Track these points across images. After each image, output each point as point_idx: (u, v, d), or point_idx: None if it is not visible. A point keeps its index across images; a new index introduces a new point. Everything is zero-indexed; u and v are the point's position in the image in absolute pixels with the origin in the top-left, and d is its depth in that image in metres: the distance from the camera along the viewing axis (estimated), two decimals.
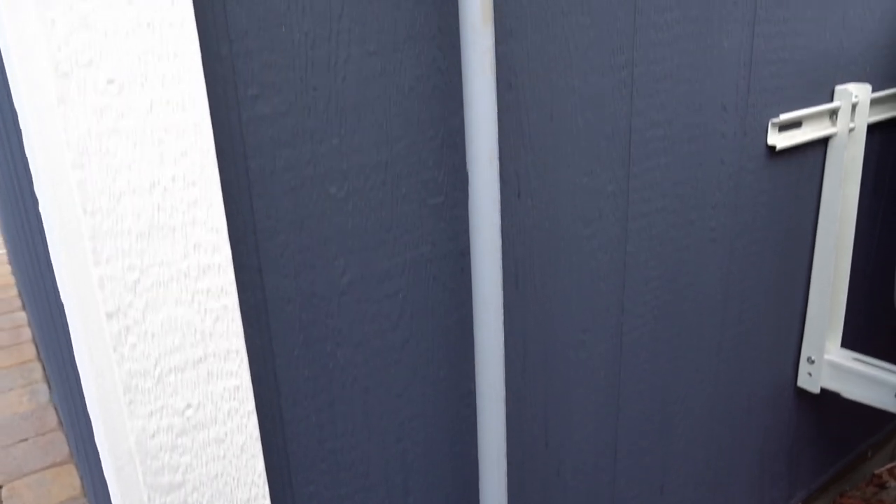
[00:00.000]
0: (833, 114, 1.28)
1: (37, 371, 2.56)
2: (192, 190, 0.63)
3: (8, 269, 3.71)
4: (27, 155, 0.59)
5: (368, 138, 0.74)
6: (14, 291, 3.37)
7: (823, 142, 1.30)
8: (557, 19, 0.86)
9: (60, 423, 2.23)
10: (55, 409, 2.30)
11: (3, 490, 1.92)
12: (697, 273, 1.17)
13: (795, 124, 1.22)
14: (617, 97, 0.95)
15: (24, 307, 3.16)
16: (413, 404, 0.87)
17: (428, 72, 0.76)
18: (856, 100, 1.28)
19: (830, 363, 1.42)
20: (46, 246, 0.56)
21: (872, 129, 1.37)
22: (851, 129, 1.30)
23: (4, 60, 0.57)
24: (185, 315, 0.66)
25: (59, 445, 2.12)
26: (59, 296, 0.61)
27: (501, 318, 0.84)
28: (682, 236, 1.12)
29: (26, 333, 2.89)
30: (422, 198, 0.80)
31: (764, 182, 1.22)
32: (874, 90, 1.34)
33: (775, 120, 1.17)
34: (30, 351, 2.72)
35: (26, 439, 2.15)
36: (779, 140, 1.19)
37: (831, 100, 1.28)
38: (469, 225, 0.83)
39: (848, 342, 1.54)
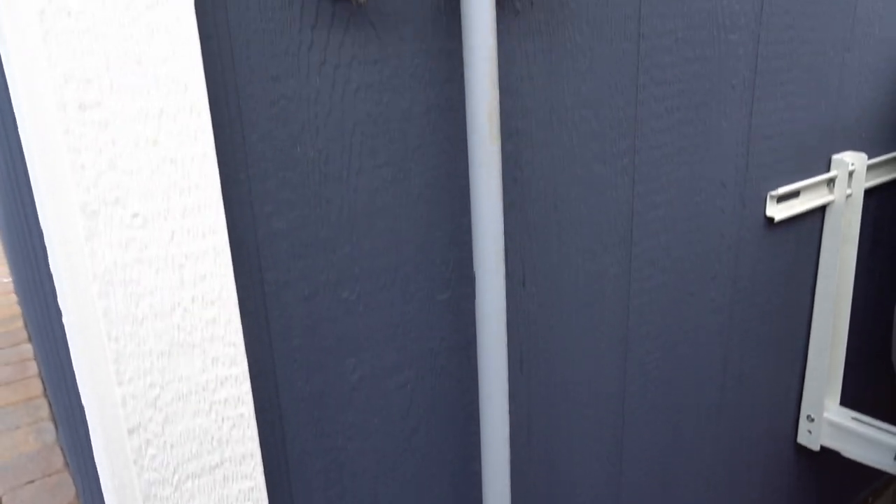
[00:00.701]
0: (830, 182, 1.30)
1: (43, 409, 2.58)
2: (211, 309, 0.66)
3: (13, 298, 3.73)
4: (55, 284, 0.62)
5: (379, 243, 0.77)
6: (20, 322, 3.39)
7: (821, 209, 1.32)
8: (561, 115, 0.88)
9: (67, 464, 2.24)
10: (61, 449, 2.32)
11: None
12: (698, 342, 1.19)
13: (793, 195, 1.25)
14: (619, 183, 0.98)
15: (30, 339, 3.18)
16: (422, 489, 0.89)
17: (436, 177, 0.79)
18: (852, 168, 1.30)
19: (830, 422, 1.44)
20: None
21: (869, 192, 1.40)
22: (848, 196, 1.32)
23: (35, 198, 0.59)
24: (203, 424, 0.68)
25: (66, 488, 2.13)
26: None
27: (507, 404, 0.86)
28: (683, 308, 1.15)
29: (32, 368, 2.91)
30: (430, 294, 0.83)
31: (763, 252, 1.24)
32: (871, 156, 1.37)
33: (773, 193, 1.20)
34: (36, 387, 2.74)
35: (33, 481, 2.17)
36: (777, 212, 1.21)
37: (828, 169, 1.30)
38: (475, 318, 0.85)
39: (847, 400, 1.55)
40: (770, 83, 1.13)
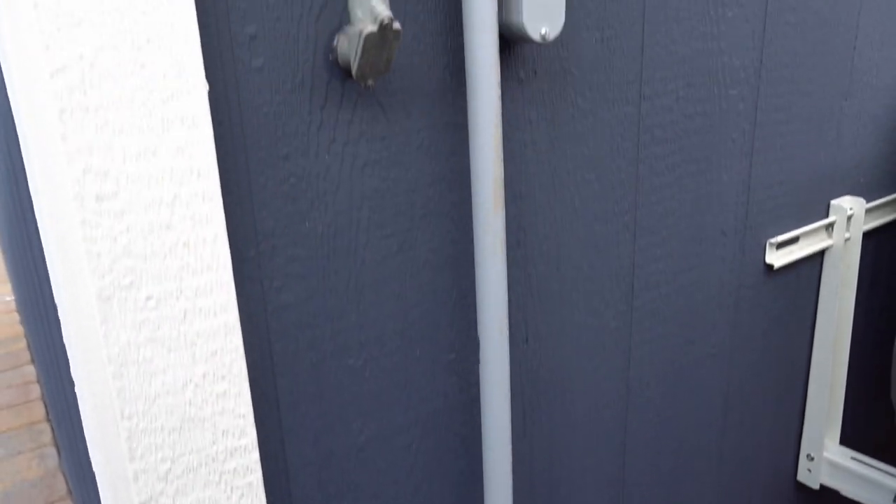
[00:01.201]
0: (829, 227, 1.32)
1: (46, 434, 2.59)
2: (222, 383, 0.67)
3: (16, 317, 3.74)
4: (70, 362, 0.63)
5: (385, 310, 0.78)
6: (23, 343, 3.40)
7: (820, 253, 1.34)
8: (563, 178, 0.90)
9: (70, 491, 2.25)
10: (64, 475, 2.33)
11: None
12: (698, 387, 1.21)
13: (792, 241, 1.26)
14: (621, 240, 0.99)
15: (32, 360, 3.19)
16: None
17: (442, 244, 0.81)
18: (851, 212, 1.32)
19: (829, 461, 1.45)
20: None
21: (868, 235, 1.41)
22: (847, 240, 1.34)
23: (53, 287, 0.61)
24: (213, 496, 0.70)
25: None
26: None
27: (510, 461, 0.87)
28: (683, 356, 1.16)
29: (35, 391, 2.91)
30: (434, 356, 0.84)
31: (762, 297, 1.26)
32: (869, 199, 1.39)
33: (773, 240, 1.21)
34: (39, 411, 2.75)
35: None
36: (776, 258, 1.23)
37: (827, 214, 1.32)
38: (479, 378, 0.87)
39: (847, 439, 1.57)
40: (769, 134, 1.15)
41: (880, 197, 1.43)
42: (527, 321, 0.92)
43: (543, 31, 0.72)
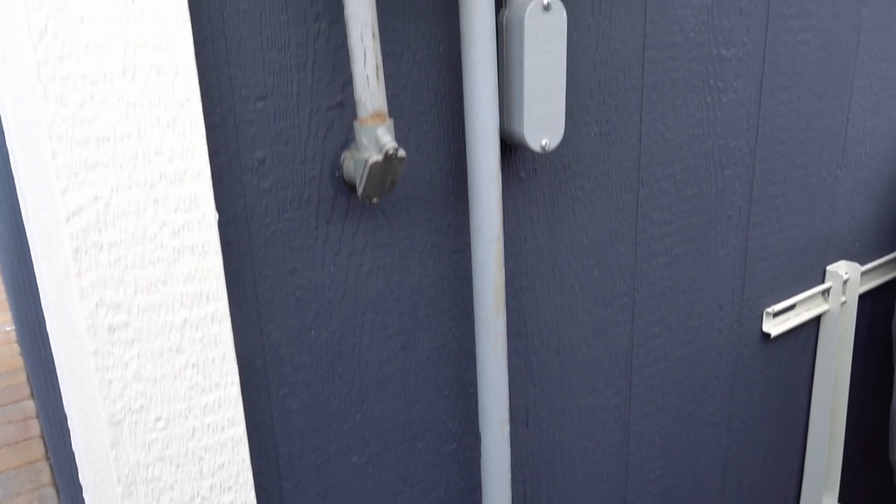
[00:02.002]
0: (825, 292, 1.33)
1: (45, 473, 2.59)
2: (228, 493, 0.68)
3: (16, 348, 3.74)
4: (81, 483, 0.64)
5: (388, 408, 0.80)
6: (22, 376, 3.40)
7: (816, 318, 1.35)
8: (563, 267, 0.92)
9: None
10: None
11: None
12: (697, 455, 1.22)
13: (789, 308, 1.28)
14: (619, 321, 1.01)
15: (32, 395, 3.19)
16: None
17: (444, 340, 0.82)
18: (846, 276, 1.33)
19: None
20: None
21: (863, 296, 1.43)
22: (843, 304, 1.35)
23: (65, 408, 0.62)
24: None
25: None
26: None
27: None
28: (682, 426, 1.17)
29: (34, 427, 2.91)
30: (437, 447, 0.85)
31: (760, 364, 1.27)
32: (865, 261, 1.41)
33: (769, 309, 1.23)
34: (38, 449, 2.75)
35: None
36: (773, 326, 1.24)
37: (823, 280, 1.34)
38: (481, 466, 0.88)
39: (846, 499, 1.57)
40: (765, 208, 1.17)
41: (875, 257, 1.45)
42: (527, 407, 0.94)
43: (544, 143, 0.74)
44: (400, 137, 0.72)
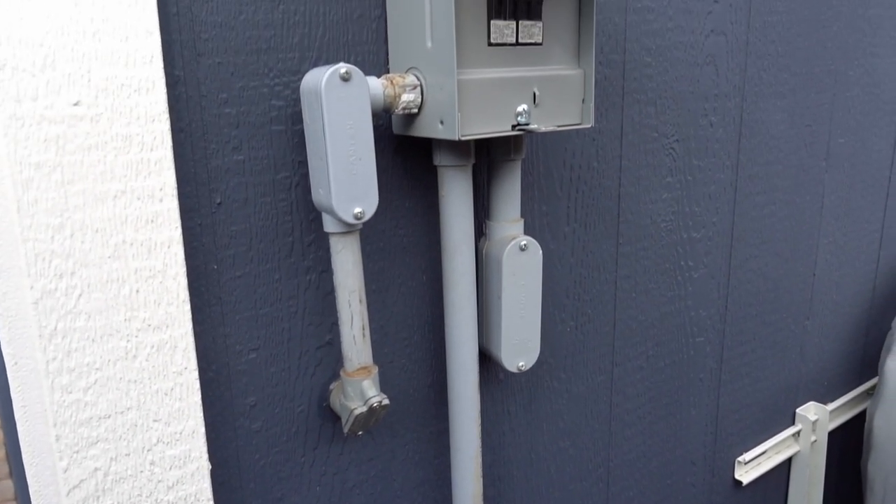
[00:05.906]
0: (795, 434, 1.38)
1: None
2: None
3: None
4: None
5: None
6: (1, 452, 3.35)
7: (787, 459, 1.40)
8: (540, 452, 0.95)
9: None
10: None
11: None
12: None
13: (760, 454, 1.32)
14: (594, 492, 1.05)
15: (10, 474, 3.15)
16: None
17: None
18: (815, 418, 1.38)
19: None
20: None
21: (833, 433, 1.47)
22: (813, 442, 1.40)
23: None
24: None
25: None
26: None
27: None
28: None
29: None
30: None
31: None
32: (832, 399, 1.45)
33: (741, 458, 1.27)
34: None
35: None
36: (745, 474, 1.28)
37: (793, 422, 1.38)
38: None
39: None
40: (735, 366, 1.22)
41: (843, 393, 1.50)
42: None
43: (521, 365, 0.79)
44: (384, 360, 0.77)
